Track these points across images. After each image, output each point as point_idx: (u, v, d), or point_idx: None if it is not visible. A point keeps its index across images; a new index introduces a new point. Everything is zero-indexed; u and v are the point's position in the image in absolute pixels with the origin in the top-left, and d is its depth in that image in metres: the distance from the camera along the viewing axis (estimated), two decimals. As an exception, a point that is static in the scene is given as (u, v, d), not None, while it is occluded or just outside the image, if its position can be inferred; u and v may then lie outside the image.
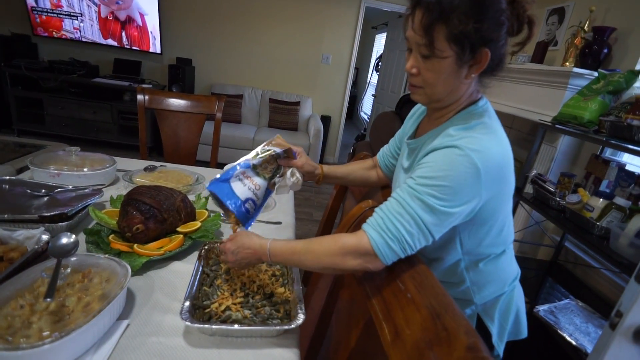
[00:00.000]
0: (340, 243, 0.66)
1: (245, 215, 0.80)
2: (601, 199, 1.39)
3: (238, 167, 0.80)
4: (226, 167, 0.81)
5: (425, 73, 0.68)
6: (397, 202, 0.64)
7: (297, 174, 0.89)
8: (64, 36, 3.65)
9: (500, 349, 0.82)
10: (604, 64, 1.83)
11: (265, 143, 0.85)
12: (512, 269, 0.84)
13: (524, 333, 0.87)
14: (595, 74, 1.64)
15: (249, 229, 0.82)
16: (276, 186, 0.89)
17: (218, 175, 0.78)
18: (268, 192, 0.86)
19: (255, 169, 0.82)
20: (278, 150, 0.84)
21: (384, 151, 1.04)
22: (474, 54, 0.64)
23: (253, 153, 0.82)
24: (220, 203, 0.79)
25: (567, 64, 1.90)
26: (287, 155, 0.87)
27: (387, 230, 0.63)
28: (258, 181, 0.82)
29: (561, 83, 1.80)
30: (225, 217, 0.79)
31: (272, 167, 0.85)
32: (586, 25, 1.86)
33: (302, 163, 0.90)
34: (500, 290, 0.81)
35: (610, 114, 1.46)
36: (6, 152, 2.06)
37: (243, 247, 0.72)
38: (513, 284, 0.84)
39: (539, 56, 2.17)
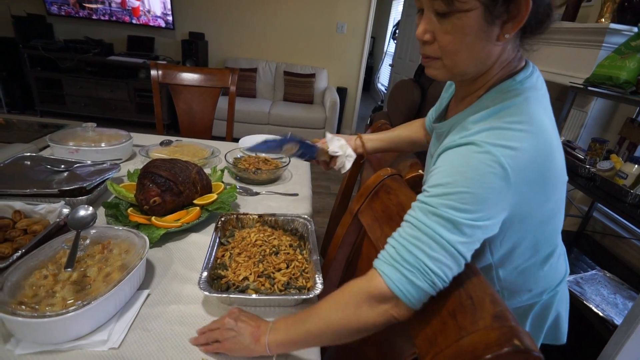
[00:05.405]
0: (348, 290, 0.52)
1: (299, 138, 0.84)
2: (636, 165, 1.30)
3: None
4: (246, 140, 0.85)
5: (442, 38, 0.52)
6: (410, 224, 0.51)
7: (348, 150, 0.92)
8: (79, 14, 3.63)
9: None
10: (644, 19, 1.67)
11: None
12: (557, 273, 0.69)
13: (562, 339, 0.75)
14: (635, 29, 1.50)
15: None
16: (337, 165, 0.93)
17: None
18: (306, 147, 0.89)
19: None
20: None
21: (429, 116, 0.90)
22: (508, 4, 0.47)
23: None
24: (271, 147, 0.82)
25: (603, 20, 1.75)
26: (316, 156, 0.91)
27: (403, 261, 0.48)
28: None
29: (595, 42, 1.67)
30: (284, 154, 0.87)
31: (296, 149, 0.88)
32: (626, -25, 1.69)
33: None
34: (537, 298, 0.68)
35: (650, 73, 1.35)
36: (30, 132, 2.13)
37: (246, 318, 0.59)
38: (556, 289, 0.70)
39: (571, 13, 2.00)
